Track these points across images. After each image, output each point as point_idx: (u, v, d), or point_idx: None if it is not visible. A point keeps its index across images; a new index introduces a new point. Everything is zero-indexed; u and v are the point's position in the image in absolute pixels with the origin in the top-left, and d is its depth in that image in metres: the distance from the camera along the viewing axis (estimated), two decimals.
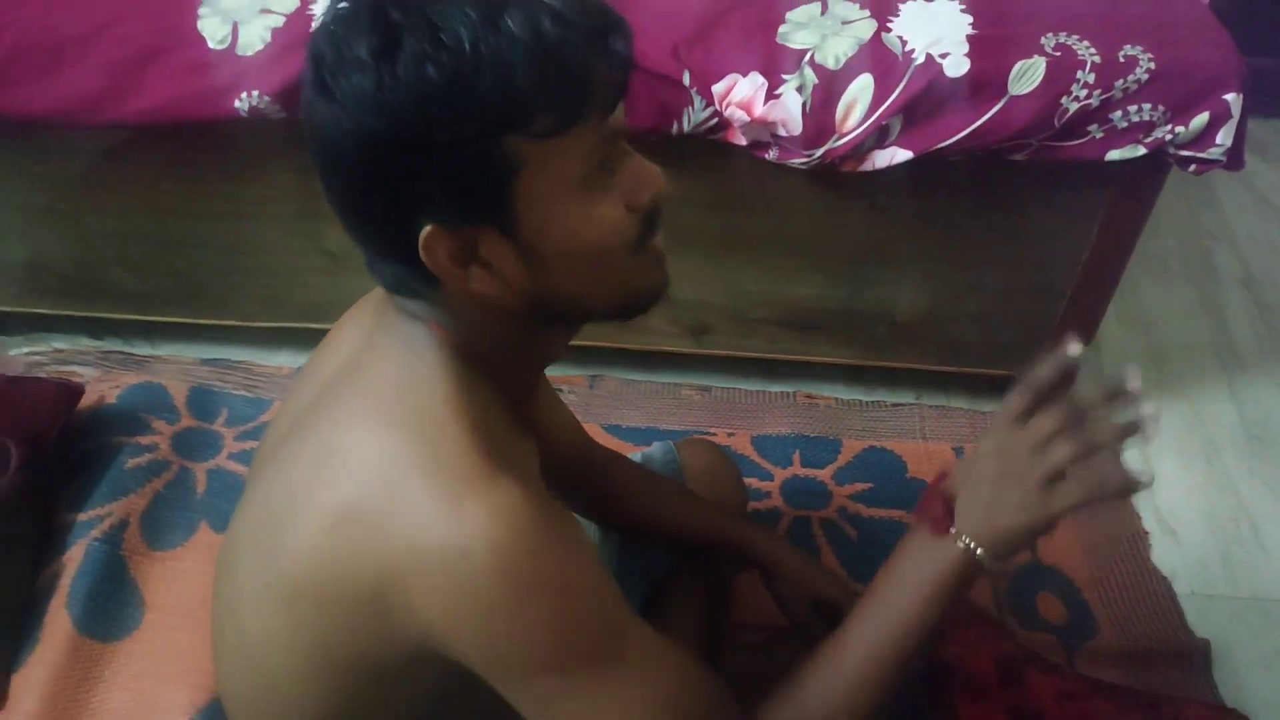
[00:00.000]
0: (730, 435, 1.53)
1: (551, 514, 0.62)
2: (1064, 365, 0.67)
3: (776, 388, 1.63)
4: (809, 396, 1.62)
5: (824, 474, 1.48)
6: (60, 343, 1.69)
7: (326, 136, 0.56)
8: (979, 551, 0.65)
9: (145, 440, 1.48)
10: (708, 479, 1.16)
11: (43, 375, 1.55)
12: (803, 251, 1.39)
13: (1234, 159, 1.22)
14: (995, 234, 1.34)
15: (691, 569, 1.08)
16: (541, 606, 0.59)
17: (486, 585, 0.57)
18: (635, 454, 1.20)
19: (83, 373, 1.61)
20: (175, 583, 1.31)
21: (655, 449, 1.20)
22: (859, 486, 1.46)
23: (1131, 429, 0.62)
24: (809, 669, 0.70)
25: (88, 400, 1.51)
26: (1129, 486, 0.62)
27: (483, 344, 0.66)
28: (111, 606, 1.27)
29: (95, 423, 1.50)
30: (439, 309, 0.64)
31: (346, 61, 0.54)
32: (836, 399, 1.61)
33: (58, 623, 1.24)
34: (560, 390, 1.57)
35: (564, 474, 0.99)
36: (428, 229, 0.57)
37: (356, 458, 0.63)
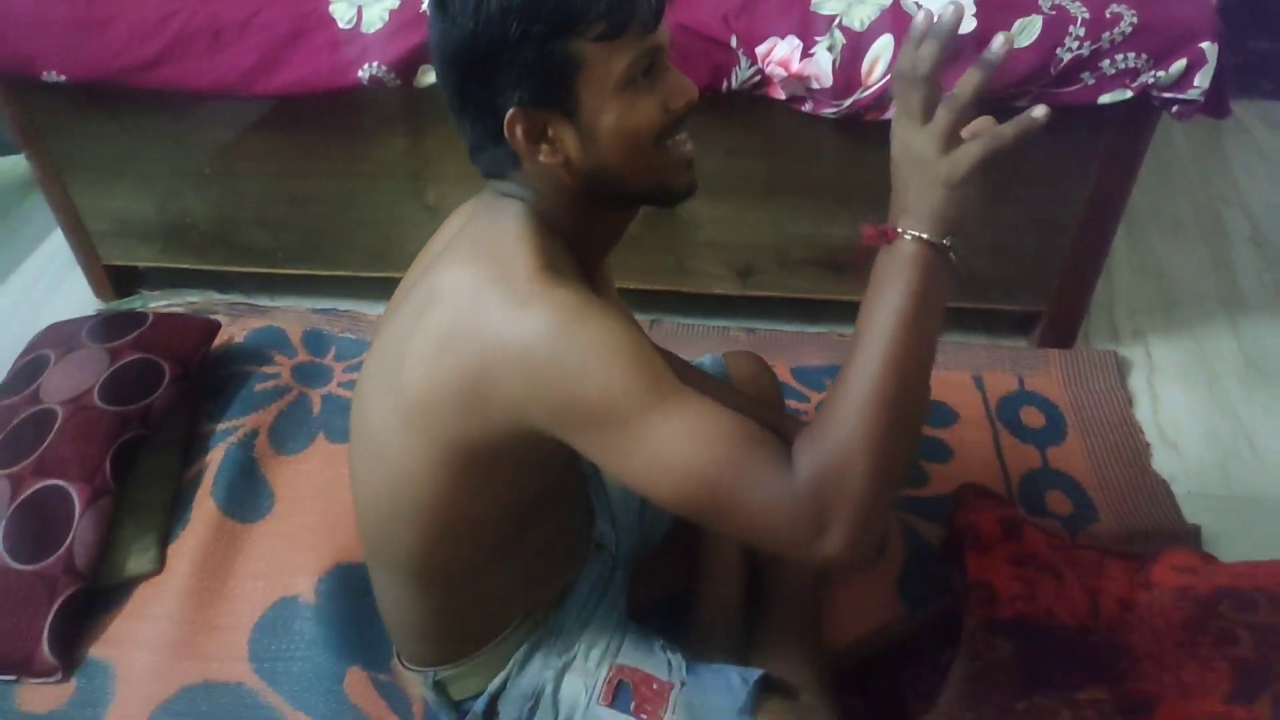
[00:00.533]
0: (771, 366, 1.73)
1: (599, 303, 0.78)
2: (983, 75, 0.72)
3: (814, 329, 1.83)
4: (841, 335, 1.81)
5: None
6: (193, 296, 1.96)
7: (444, 42, 0.77)
8: (925, 236, 0.71)
9: (269, 369, 1.72)
10: (751, 382, 1.35)
11: (183, 311, 1.82)
12: (836, 195, 1.59)
13: (1215, 104, 1.40)
14: (1005, 173, 1.53)
15: None
16: (591, 370, 0.74)
17: (549, 360, 0.75)
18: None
19: (219, 321, 1.87)
20: (298, 480, 1.54)
21: (706, 358, 1.39)
22: None
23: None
24: (830, 401, 0.74)
25: (220, 339, 1.76)
26: (1025, 125, 0.70)
27: (556, 213, 0.84)
28: (247, 496, 1.51)
29: (228, 356, 1.75)
30: (521, 185, 0.83)
31: None
32: None
33: (205, 507, 1.48)
34: None
35: None
36: (510, 111, 0.76)
37: (450, 289, 0.81)
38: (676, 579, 1.28)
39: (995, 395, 1.67)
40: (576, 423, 0.77)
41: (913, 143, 0.73)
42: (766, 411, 1.24)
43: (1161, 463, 1.54)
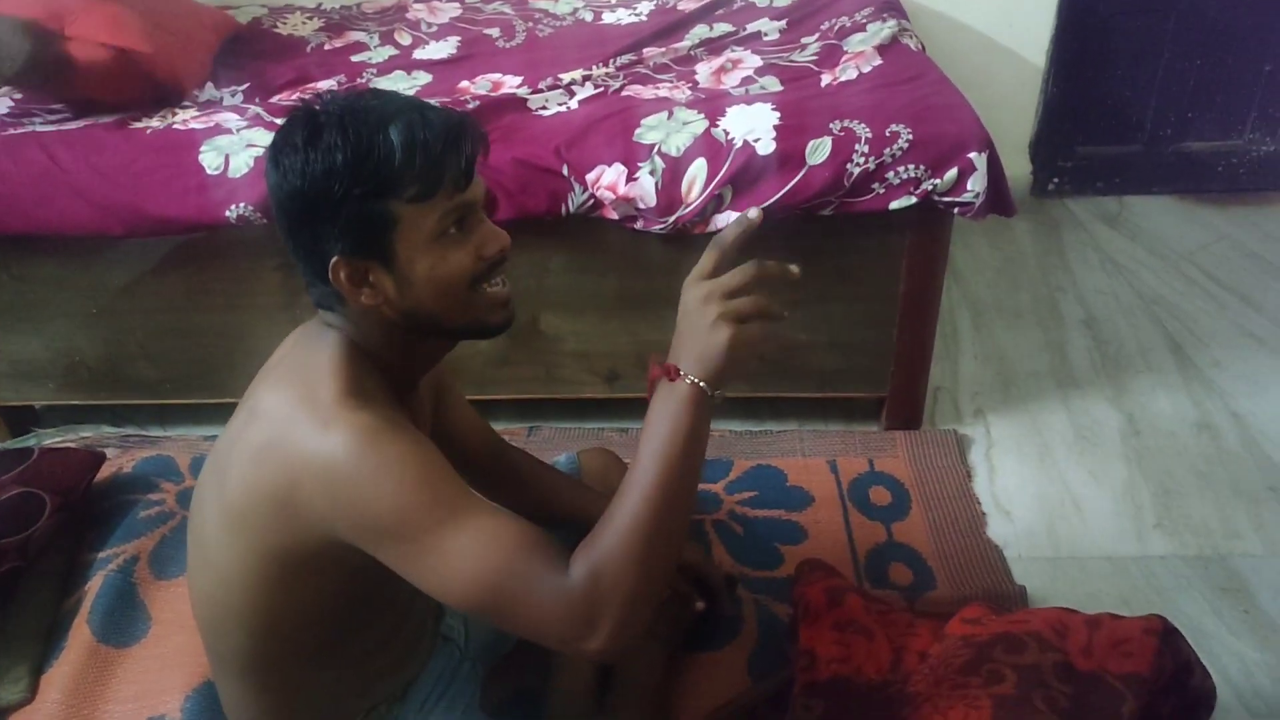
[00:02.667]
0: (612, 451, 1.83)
1: (398, 427, 0.86)
2: (744, 227, 0.86)
3: None
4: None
5: (717, 487, 1.77)
6: (86, 431, 2.02)
7: (276, 193, 0.87)
8: (701, 383, 0.81)
9: (154, 496, 1.78)
10: (601, 475, 1.44)
11: (73, 445, 1.88)
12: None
13: (999, 204, 1.58)
14: (829, 277, 1.69)
15: None
16: (385, 488, 0.82)
17: (348, 478, 0.82)
18: None
19: (106, 452, 1.93)
20: (176, 603, 1.58)
21: (561, 457, 1.49)
22: (746, 494, 1.75)
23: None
24: (607, 513, 0.84)
25: (108, 470, 1.82)
26: (743, 225, 0.85)
27: (373, 342, 0.93)
28: (124, 621, 1.54)
29: (115, 486, 1.81)
30: (344, 318, 0.92)
31: (288, 144, 0.85)
32: (731, 430, 1.92)
33: (80, 634, 1.51)
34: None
35: (481, 469, 1.27)
36: (334, 259, 0.86)
37: (266, 408, 0.90)
38: (531, 674, 1.32)
39: (848, 478, 1.78)
40: (373, 536, 0.84)
41: (688, 290, 0.86)
42: (600, 496, 1.29)
43: (996, 530, 1.65)
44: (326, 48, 2.17)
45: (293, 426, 0.86)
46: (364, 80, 1.98)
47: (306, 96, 1.89)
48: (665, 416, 0.83)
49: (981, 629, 1.15)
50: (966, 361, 2.10)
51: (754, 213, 0.88)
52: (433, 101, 0.91)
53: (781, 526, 1.68)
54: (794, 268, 0.86)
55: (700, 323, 0.82)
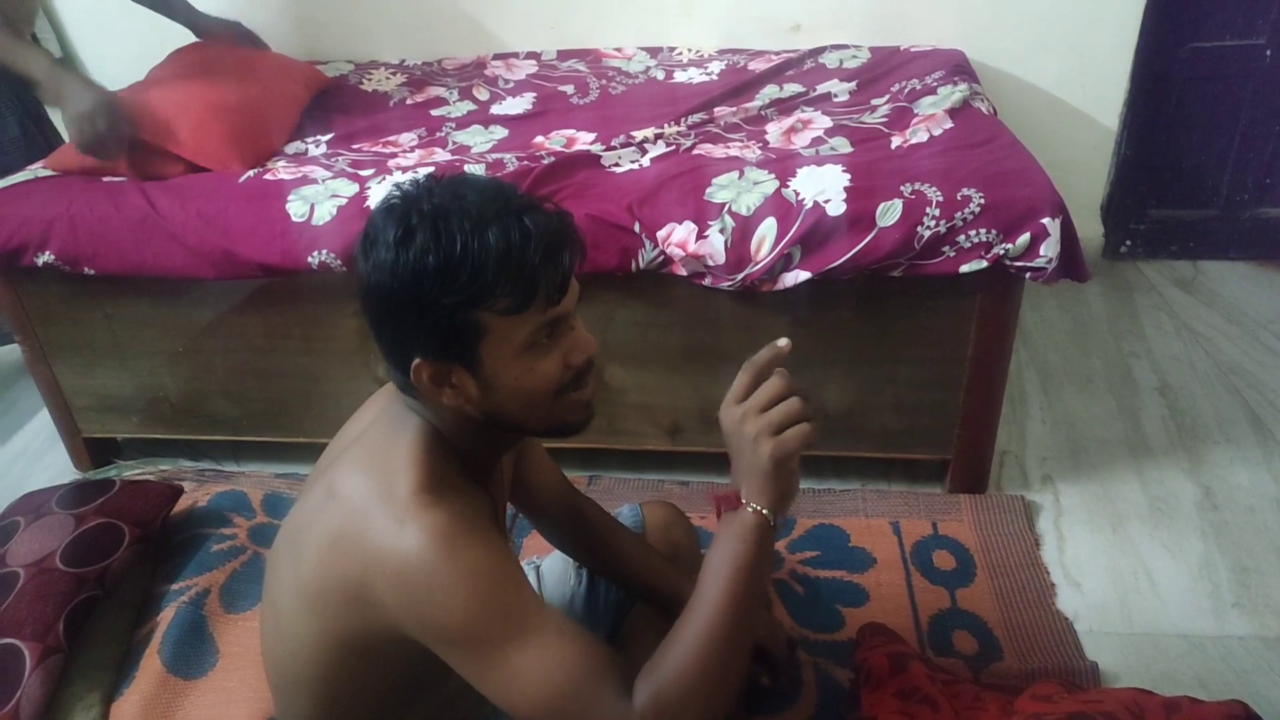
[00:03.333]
0: (703, 519, 1.83)
1: (473, 530, 0.84)
2: (774, 354, 0.88)
3: None
4: None
5: (779, 545, 1.76)
6: (164, 464, 2.10)
7: (364, 283, 0.85)
8: (761, 509, 0.84)
9: (227, 531, 1.83)
10: (663, 529, 1.45)
11: (152, 479, 1.95)
12: (743, 358, 1.74)
13: (1072, 269, 1.57)
14: (895, 338, 1.69)
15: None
16: (456, 597, 0.82)
17: (419, 581, 0.82)
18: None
19: (183, 486, 2.00)
20: (244, 637, 1.62)
21: (624, 508, 1.49)
22: (808, 554, 1.73)
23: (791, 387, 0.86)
24: (670, 637, 0.87)
25: (184, 504, 1.88)
26: (774, 351, 0.87)
27: (453, 433, 0.93)
28: (193, 653, 1.58)
29: (190, 519, 1.87)
30: (425, 407, 0.92)
31: (379, 238, 0.83)
32: None
33: (151, 665, 1.55)
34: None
35: (555, 520, 1.30)
36: (416, 361, 0.85)
37: (344, 493, 0.89)
38: None
39: (910, 540, 1.76)
40: (440, 639, 0.85)
41: (725, 416, 0.86)
42: (670, 572, 1.30)
43: (1065, 602, 1.61)
44: (408, 102, 2.26)
45: (368, 520, 0.86)
46: (443, 134, 2.05)
47: (387, 151, 1.97)
48: (727, 542, 0.86)
49: (1053, 707, 1.12)
50: (1034, 426, 2.07)
51: (783, 341, 0.89)
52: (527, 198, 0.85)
53: (843, 588, 1.66)
54: (781, 341, 0.89)
55: (743, 444, 0.85)
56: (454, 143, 2.00)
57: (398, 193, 0.86)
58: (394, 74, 2.42)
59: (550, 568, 1.40)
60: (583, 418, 0.95)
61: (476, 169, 1.75)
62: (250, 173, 1.82)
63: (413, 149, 1.97)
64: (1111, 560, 1.70)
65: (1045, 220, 1.51)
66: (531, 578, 1.41)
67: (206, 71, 1.98)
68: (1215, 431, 2.02)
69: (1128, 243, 2.72)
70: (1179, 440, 2.00)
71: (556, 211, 0.87)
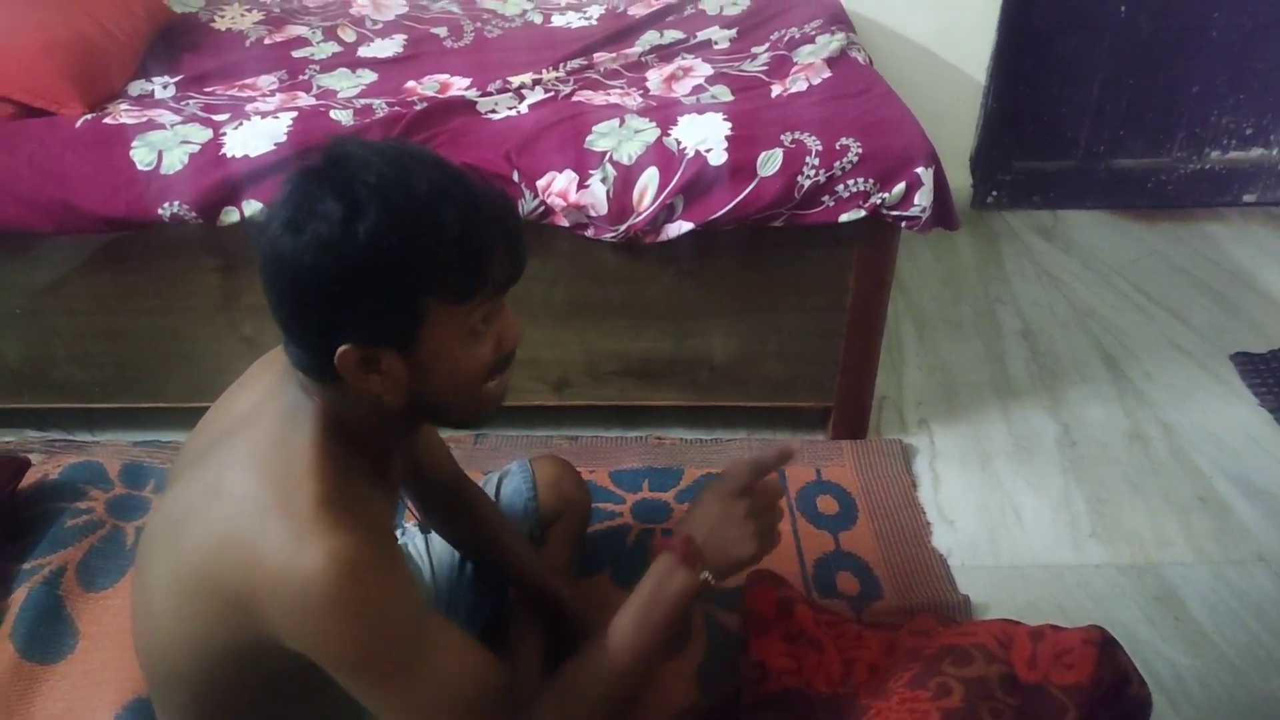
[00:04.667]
0: (592, 473, 1.82)
1: (376, 557, 0.79)
2: (785, 457, 0.98)
3: (633, 434, 1.94)
4: (658, 439, 1.93)
5: (668, 495, 1.77)
6: (8, 436, 1.94)
7: (285, 264, 0.75)
8: (711, 577, 0.93)
9: (82, 505, 1.71)
10: (554, 485, 1.45)
11: None
12: (632, 312, 1.73)
13: (943, 218, 1.61)
14: (777, 287, 1.70)
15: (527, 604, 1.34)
16: (356, 630, 0.78)
17: (315, 606, 0.77)
18: (494, 473, 1.48)
19: (30, 458, 1.85)
20: (105, 616, 1.52)
21: (514, 465, 1.47)
22: None
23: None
24: (579, 660, 0.92)
25: (33, 477, 1.75)
26: (781, 449, 0.98)
27: (355, 422, 0.86)
28: (49, 636, 1.48)
29: (40, 493, 1.73)
30: (329, 392, 0.84)
31: (316, 215, 0.73)
32: (681, 439, 1.92)
33: (2, 650, 1.44)
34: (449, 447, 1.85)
35: (439, 500, 1.26)
36: (345, 346, 0.77)
37: (234, 496, 0.81)
38: None
39: (795, 486, 1.79)
40: (332, 664, 0.81)
41: (725, 501, 0.95)
42: (545, 572, 1.34)
43: (940, 539, 1.68)
44: (266, 41, 2.11)
45: (262, 531, 0.79)
46: (306, 77, 1.93)
47: (244, 95, 1.84)
48: (666, 596, 0.93)
49: (929, 641, 1.17)
50: (911, 372, 2.14)
51: (796, 443, 1.08)
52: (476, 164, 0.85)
53: None
54: (795, 443, 1.04)
55: (729, 529, 0.94)
56: (319, 86, 1.88)
57: (324, 158, 0.77)
58: (250, 10, 2.26)
59: (438, 538, 1.37)
60: (495, 406, 0.91)
61: (344, 115, 1.65)
62: (88, 116, 1.66)
63: (273, 92, 1.84)
64: (981, 497, 1.78)
65: (919, 170, 1.54)
66: (420, 546, 1.37)
67: (30, 4, 1.79)
68: (1072, 371, 2.13)
69: (994, 193, 2.82)
70: (1040, 381, 2.11)
71: (503, 193, 0.83)
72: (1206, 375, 2.11)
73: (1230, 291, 2.42)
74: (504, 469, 1.48)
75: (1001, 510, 1.75)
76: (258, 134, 1.56)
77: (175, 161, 1.53)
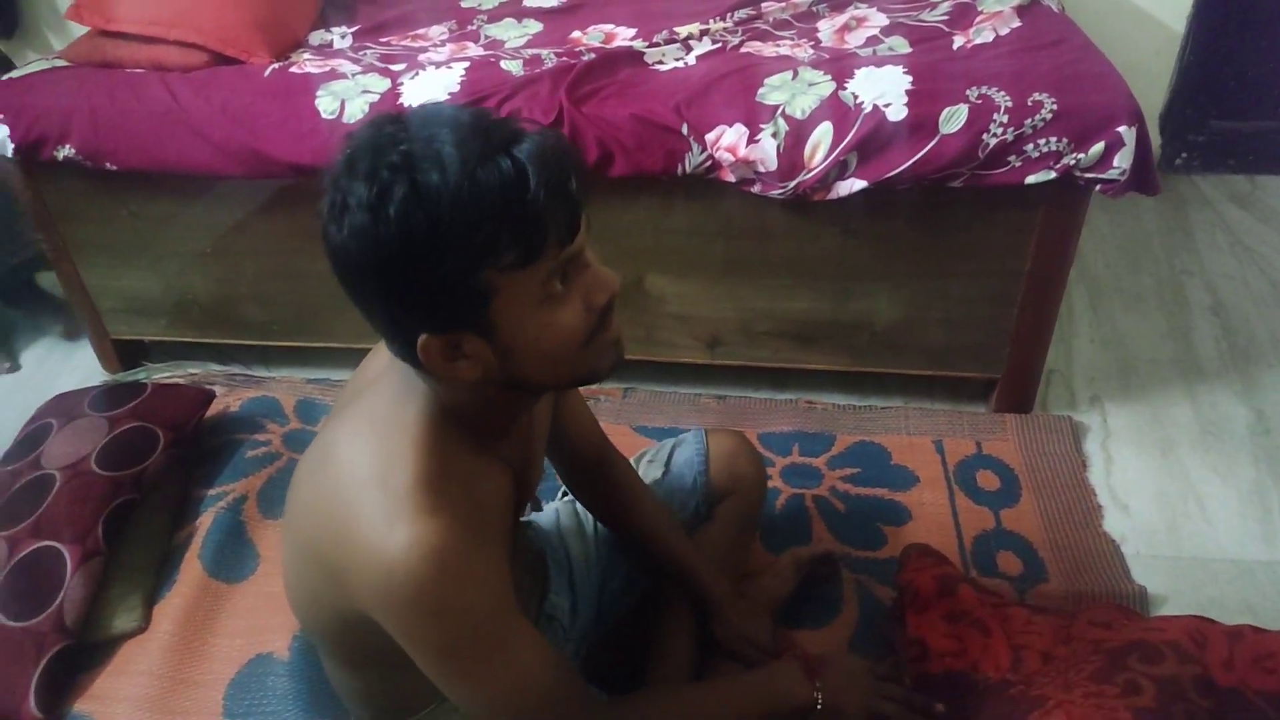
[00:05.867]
0: (742, 431, 1.80)
1: (466, 545, 0.77)
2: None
3: (783, 396, 1.91)
4: (809, 402, 1.88)
5: (819, 461, 1.73)
6: (194, 368, 2.07)
7: (337, 258, 0.72)
8: (820, 702, 1.02)
9: (261, 437, 1.82)
10: (729, 460, 1.36)
11: (182, 382, 1.93)
12: (793, 271, 1.69)
13: (1143, 182, 1.48)
14: (950, 251, 1.62)
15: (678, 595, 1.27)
16: (438, 620, 0.78)
17: (397, 592, 0.76)
18: (668, 441, 1.43)
19: (214, 391, 1.97)
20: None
21: (690, 435, 1.39)
22: (848, 470, 1.70)
23: None
24: (660, 698, 0.98)
25: (216, 409, 1.86)
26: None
27: (462, 406, 0.83)
28: (233, 558, 1.59)
29: (222, 425, 1.86)
30: (430, 378, 0.81)
31: (349, 200, 0.69)
32: (834, 404, 1.87)
33: (192, 569, 1.56)
34: (598, 400, 1.86)
35: (581, 470, 1.22)
36: (422, 338, 0.73)
37: (339, 464, 0.82)
38: (631, 653, 1.27)
39: (954, 459, 1.72)
40: (411, 645, 0.81)
41: (872, 685, 1.10)
42: (696, 560, 1.26)
43: (1112, 524, 1.58)
44: None
45: (358, 503, 0.78)
46: (474, 27, 1.95)
47: (416, 45, 1.87)
48: (772, 691, 1.04)
49: (1114, 634, 1.10)
50: (1082, 345, 2.01)
51: (940, 707, 1.09)
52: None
53: (885, 506, 1.64)
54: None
55: (862, 688, 1.09)
56: (486, 36, 1.90)
57: (352, 143, 0.73)
58: None
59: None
60: (613, 359, 0.84)
61: (514, 65, 1.66)
62: (275, 65, 1.73)
63: (443, 43, 1.87)
64: (1160, 484, 1.66)
65: (1121, 129, 1.42)
66: (552, 517, 1.35)
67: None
68: (1270, 353, 1.95)
69: (1184, 154, 2.60)
70: (1231, 362, 1.94)
71: (546, 132, 0.73)
72: None
73: None
74: (679, 437, 1.41)
75: (1184, 499, 1.63)
76: (433, 84, 1.59)
77: (357, 110, 1.58)
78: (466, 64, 1.65)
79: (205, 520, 1.64)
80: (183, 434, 1.70)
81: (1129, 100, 1.45)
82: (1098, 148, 1.43)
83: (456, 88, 1.58)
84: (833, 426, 1.81)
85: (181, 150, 1.65)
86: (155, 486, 1.63)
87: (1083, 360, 1.96)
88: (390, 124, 0.73)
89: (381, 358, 0.90)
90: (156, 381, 1.91)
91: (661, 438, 1.76)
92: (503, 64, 1.67)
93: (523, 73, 1.63)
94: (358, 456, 0.81)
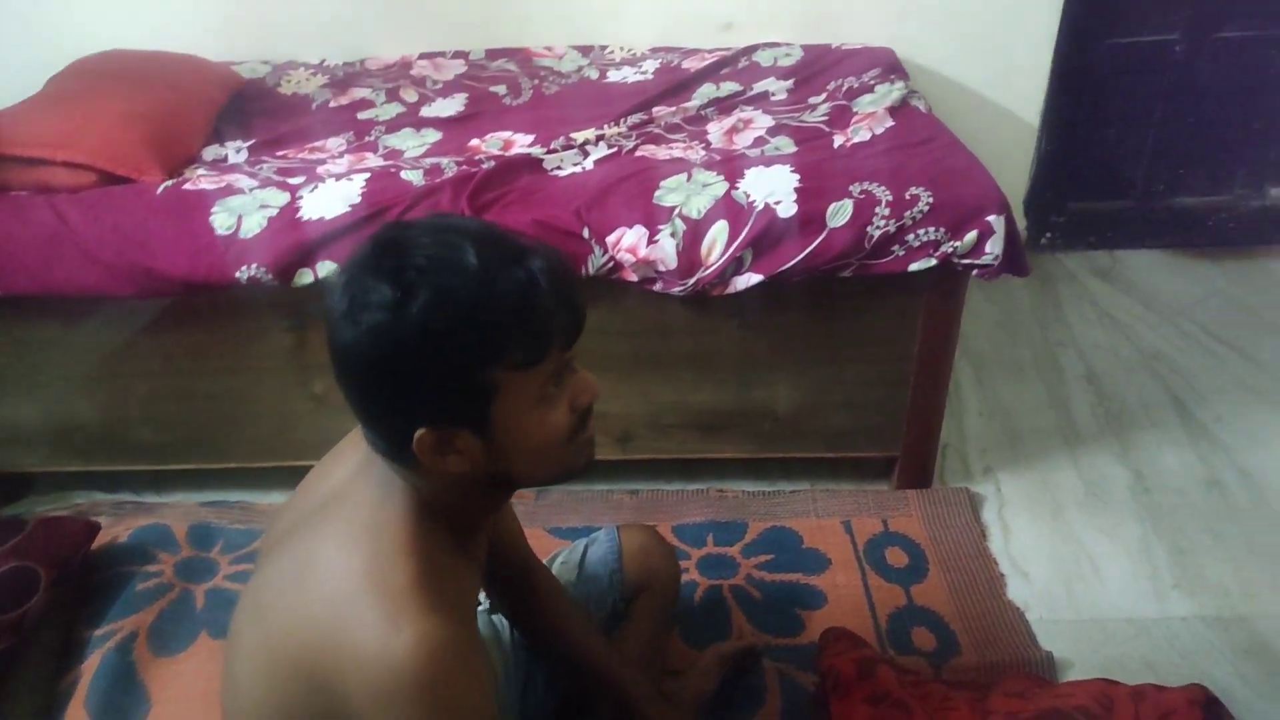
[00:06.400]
0: (655, 525, 1.80)
1: (464, 642, 0.80)
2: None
3: (693, 486, 1.93)
4: (720, 491, 1.91)
5: (733, 550, 1.75)
6: (79, 498, 1.96)
7: (349, 354, 0.76)
8: None
9: (152, 568, 1.72)
10: (641, 555, 1.39)
11: (66, 514, 1.82)
12: (695, 365, 1.73)
13: (1013, 264, 1.59)
14: (843, 338, 1.69)
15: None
16: (436, 713, 0.77)
17: (403, 692, 0.76)
18: (581, 540, 1.44)
19: (100, 521, 1.87)
20: (177, 681, 1.51)
21: (601, 533, 1.42)
22: (762, 558, 1.72)
23: None
24: None
25: (103, 539, 1.76)
26: None
27: (442, 500, 0.85)
28: (123, 703, 1.48)
29: (109, 557, 1.75)
30: (412, 473, 0.83)
31: (370, 303, 0.74)
32: (743, 491, 1.90)
33: (77, 717, 1.45)
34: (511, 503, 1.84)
35: (506, 578, 1.22)
36: (421, 431, 0.77)
37: (326, 571, 0.81)
38: None
39: (863, 538, 1.77)
40: None
41: None
42: (622, 669, 1.24)
43: (1015, 591, 1.64)
44: (332, 104, 2.17)
45: (354, 610, 0.78)
46: (372, 138, 1.97)
47: (314, 157, 1.88)
48: None
49: (1028, 704, 1.13)
50: (971, 418, 2.11)
51: None
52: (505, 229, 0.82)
53: (801, 591, 1.66)
54: None
55: None
56: (385, 147, 1.92)
57: (372, 246, 0.77)
58: (314, 75, 2.32)
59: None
60: (588, 457, 0.90)
61: (414, 175, 1.68)
62: (169, 182, 1.70)
63: (342, 154, 1.89)
64: (1054, 547, 1.74)
65: (991, 218, 1.53)
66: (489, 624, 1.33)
67: (111, 77, 1.86)
68: (1141, 416, 2.09)
69: (1048, 235, 2.80)
70: (1108, 426, 2.07)
71: (550, 247, 0.82)
72: None
73: None
74: (591, 536, 1.44)
75: (1077, 561, 1.71)
76: (333, 196, 1.59)
77: (254, 225, 1.57)
78: (367, 175, 1.67)
79: (92, 663, 1.53)
80: (67, 570, 1.60)
81: (995, 191, 1.56)
82: (971, 236, 1.53)
83: (357, 199, 1.59)
84: (744, 514, 1.84)
85: (69, 272, 1.59)
86: (37, 629, 1.52)
87: (973, 433, 2.06)
88: (410, 230, 0.78)
89: (345, 467, 0.91)
90: (39, 516, 1.80)
91: (576, 538, 1.74)
92: (403, 174, 1.69)
93: (423, 182, 1.66)
94: (349, 562, 0.81)
